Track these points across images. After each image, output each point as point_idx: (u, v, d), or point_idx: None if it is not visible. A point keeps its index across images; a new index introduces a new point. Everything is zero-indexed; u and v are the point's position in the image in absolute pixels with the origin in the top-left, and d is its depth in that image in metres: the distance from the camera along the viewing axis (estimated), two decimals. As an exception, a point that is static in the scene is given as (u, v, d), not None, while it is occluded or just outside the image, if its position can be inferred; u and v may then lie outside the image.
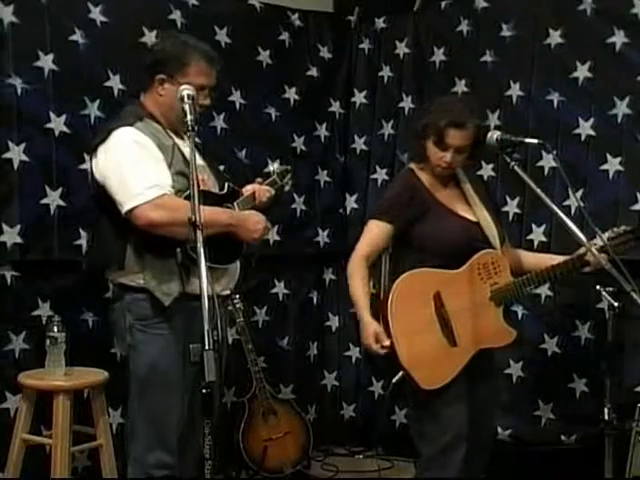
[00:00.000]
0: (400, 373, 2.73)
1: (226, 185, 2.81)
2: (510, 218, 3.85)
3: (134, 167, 2.54)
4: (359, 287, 2.84)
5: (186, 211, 2.28)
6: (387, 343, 2.72)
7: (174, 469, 2.66)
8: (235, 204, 2.79)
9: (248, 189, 2.89)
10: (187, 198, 2.49)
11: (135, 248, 2.60)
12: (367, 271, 2.87)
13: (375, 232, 2.88)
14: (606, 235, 2.74)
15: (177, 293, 2.59)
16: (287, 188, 3.15)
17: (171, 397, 2.61)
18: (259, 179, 2.98)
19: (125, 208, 2.52)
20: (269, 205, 2.93)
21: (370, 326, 2.77)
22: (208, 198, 2.58)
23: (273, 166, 3.08)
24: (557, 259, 2.84)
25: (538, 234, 3.81)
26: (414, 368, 2.72)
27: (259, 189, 2.90)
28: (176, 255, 2.53)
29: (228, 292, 2.82)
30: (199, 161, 2.72)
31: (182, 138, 2.73)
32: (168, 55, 2.67)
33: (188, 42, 2.72)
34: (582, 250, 2.69)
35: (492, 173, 3.97)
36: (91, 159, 2.70)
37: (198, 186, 2.23)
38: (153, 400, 2.65)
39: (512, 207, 3.87)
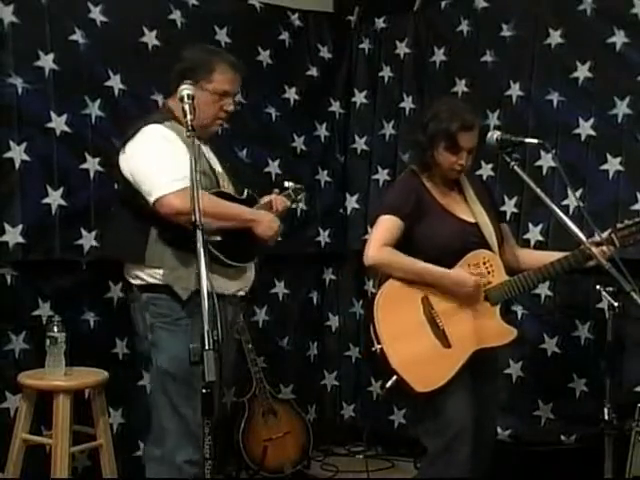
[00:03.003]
0: (394, 377, 2.72)
1: (245, 191, 2.89)
2: (507, 217, 3.84)
3: (162, 160, 2.64)
4: (402, 259, 2.80)
5: (216, 203, 2.63)
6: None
7: (201, 466, 2.63)
8: (254, 209, 2.85)
9: (265, 199, 2.97)
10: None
11: (155, 242, 2.67)
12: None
13: (388, 225, 2.84)
14: (617, 226, 2.75)
15: (194, 287, 2.58)
16: (301, 205, 3.25)
17: (197, 392, 2.57)
18: (276, 190, 3.06)
19: (153, 197, 2.60)
20: (283, 216, 3.01)
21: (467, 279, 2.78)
22: (226, 199, 2.73)
23: (289, 184, 3.18)
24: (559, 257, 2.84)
25: (535, 233, 3.81)
26: (406, 371, 2.72)
27: (275, 199, 2.98)
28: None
29: (243, 294, 2.85)
30: (219, 168, 2.87)
31: (205, 143, 2.86)
32: (196, 62, 2.81)
33: (215, 51, 2.95)
34: (583, 247, 2.66)
35: (491, 173, 3.97)
36: (119, 155, 2.77)
37: (197, 186, 2.23)
38: (179, 396, 2.66)
39: (510, 206, 3.86)
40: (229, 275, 2.75)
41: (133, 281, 2.77)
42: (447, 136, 2.81)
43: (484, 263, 2.84)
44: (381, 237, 2.83)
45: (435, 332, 2.79)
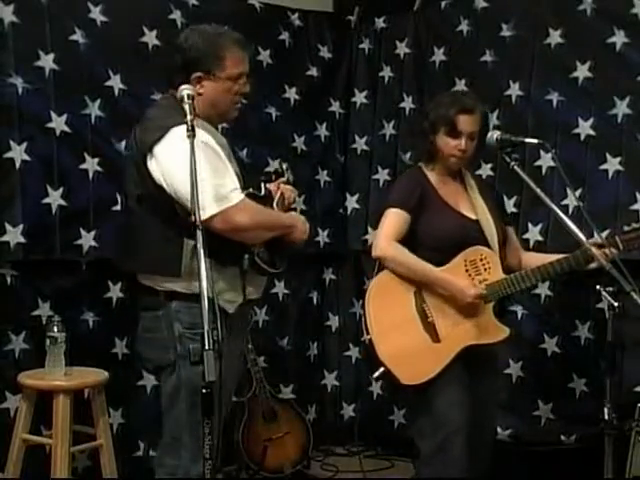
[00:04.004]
0: (381, 369, 2.75)
1: (262, 186, 2.70)
2: (506, 217, 3.86)
3: (210, 170, 2.38)
4: (408, 259, 2.81)
5: (266, 214, 2.53)
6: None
7: None
8: (275, 205, 2.70)
9: (274, 190, 2.77)
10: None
11: (193, 254, 2.40)
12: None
13: (396, 219, 2.86)
14: (624, 228, 2.76)
15: (241, 300, 2.51)
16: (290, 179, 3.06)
17: (220, 406, 2.26)
18: (282, 179, 2.85)
19: (208, 212, 2.34)
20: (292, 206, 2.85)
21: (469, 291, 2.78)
22: (254, 201, 2.55)
23: (278, 164, 3.00)
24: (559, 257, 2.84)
25: (534, 233, 3.81)
26: (394, 364, 2.75)
27: (284, 189, 2.79)
28: (242, 261, 2.48)
29: (260, 295, 2.75)
30: (236, 167, 2.63)
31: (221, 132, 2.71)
32: (201, 51, 2.58)
33: (217, 33, 2.65)
34: (585, 247, 2.64)
35: (490, 173, 3.97)
36: (145, 158, 2.48)
37: (197, 186, 2.19)
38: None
39: (509, 206, 3.85)
40: (260, 282, 2.67)
41: (157, 287, 2.55)
42: (446, 119, 2.85)
43: (481, 260, 2.85)
44: (390, 231, 2.85)
45: (425, 326, 2.81)
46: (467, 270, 2.84)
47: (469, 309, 2.81)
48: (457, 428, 2.76)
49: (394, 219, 2.86)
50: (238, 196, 2.44)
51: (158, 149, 2.46)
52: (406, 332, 2.80)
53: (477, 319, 2.82)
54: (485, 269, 2.85)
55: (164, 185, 2.47)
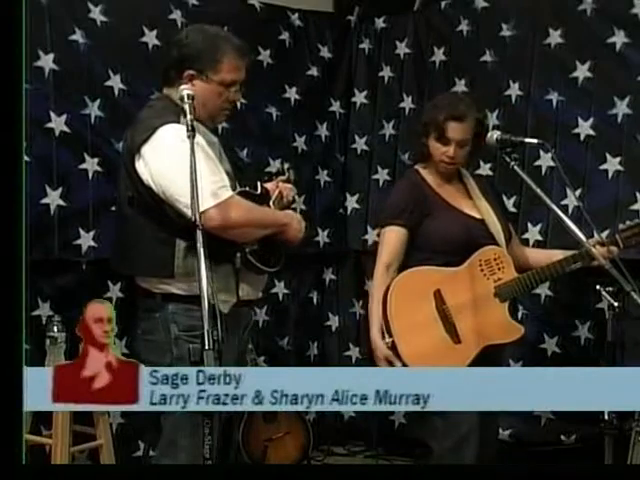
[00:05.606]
0: None
1: (259, 185, 2.69)
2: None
3: (200, 168, 2.27)
4: (375, 303, 2.85)
5: (258, 212, 2.51)
6: (399, 365, 2.74)
7: None
8: (271, 204, 2.69)
9: (272, 189, 2.76)
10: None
11: (185, 254, 2.45)
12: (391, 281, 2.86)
13: (393, 239, 2.88)
14: (619, 227, 2.76)
15: (235, 299, 2.50)
16: (292, 178, 3.04)
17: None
18: (282, 177, 2.86)
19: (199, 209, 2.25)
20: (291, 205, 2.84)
21: (380, 350, 2.79)
22: (248, 199, 2.55)
23: (280, 164, 3.01)
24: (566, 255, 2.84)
25: (534, 233, 3.81)
26: (416, 365, 2.73)
27: (282, 187, 2.78)
28: (235, 259, 2.47)
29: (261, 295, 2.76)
30: (227, 166, 2.62)
31: (213, 132, 2.69)
32: (199, 50, 2.55)
33: (219, 35, 2.62)
34: (588, 245, 2.64)
35: (489, 172, 3.97)
36: (133, 159, 2.48)
37: (197, 185, 2.19)
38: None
39: (508, 206, 3.85)
40: (258, 281, 2.66)
41: (154, 290, 2.55)
42: (436, 125, 2.83)
43: (495, 259, 2.84)
44: (387, 257, 2.88)
45: (446, 327, 2.80)
46: (482, 270, 2.84)
47: (487, 309, 2.81)
48: (471, 428, 2.76)
49: (389, 241, 2.88)
50: (227, 193, 2.43)
51: (145, 149, 2.45)
52: (428, 333, 2.79)
53: (494, 318, 2.82)
54: (499, 268, 2.84)
55: (152, 186, 2.46)
